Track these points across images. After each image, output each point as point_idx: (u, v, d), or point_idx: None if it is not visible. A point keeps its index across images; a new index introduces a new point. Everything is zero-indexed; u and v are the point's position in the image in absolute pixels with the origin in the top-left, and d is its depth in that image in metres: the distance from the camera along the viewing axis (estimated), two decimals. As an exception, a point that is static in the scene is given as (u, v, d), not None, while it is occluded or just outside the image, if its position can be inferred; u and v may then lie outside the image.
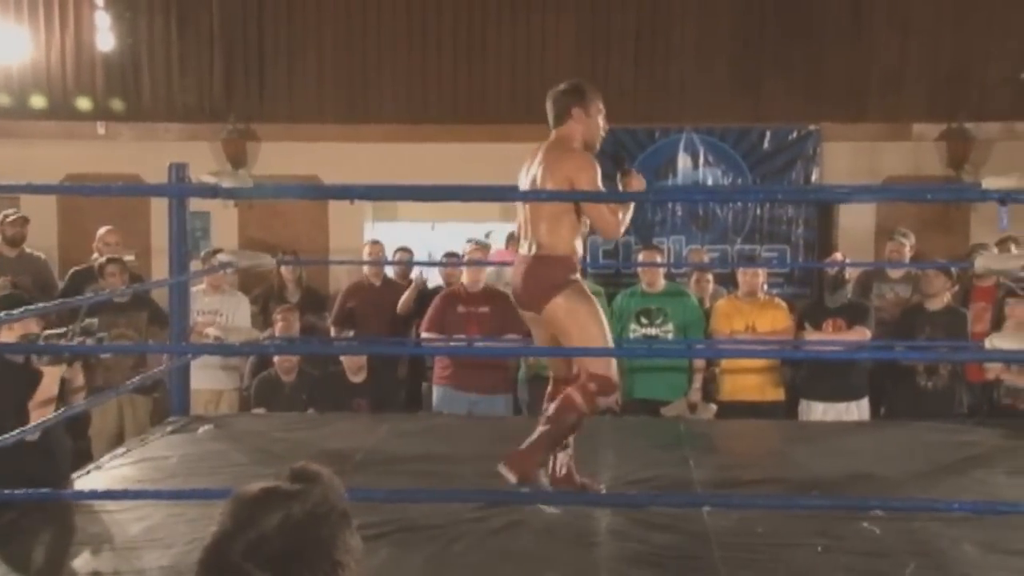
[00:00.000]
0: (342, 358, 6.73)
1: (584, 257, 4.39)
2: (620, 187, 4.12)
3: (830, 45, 9.56)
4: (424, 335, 6.88)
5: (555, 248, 3.93)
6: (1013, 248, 6.92)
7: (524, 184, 4.06)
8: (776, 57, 9.54)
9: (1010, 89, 9.36)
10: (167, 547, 3.54)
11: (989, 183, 4.07)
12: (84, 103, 9.85)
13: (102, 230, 7.85)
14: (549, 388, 4.18)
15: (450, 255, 7.72)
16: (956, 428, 5.50)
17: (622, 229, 4.02)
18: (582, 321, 3.90)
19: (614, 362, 4.00)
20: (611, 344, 4.04)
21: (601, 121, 4.10)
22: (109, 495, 4.04)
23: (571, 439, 4.08)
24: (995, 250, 6.76)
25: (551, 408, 3.96)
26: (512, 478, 3.81)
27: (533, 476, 3.90)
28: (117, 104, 9.87)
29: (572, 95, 4.07)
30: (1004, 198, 3.93)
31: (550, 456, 4.01)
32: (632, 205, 4.09)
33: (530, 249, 4.00)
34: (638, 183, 4.12)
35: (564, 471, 4.12)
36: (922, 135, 9.51)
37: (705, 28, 9.67)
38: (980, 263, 5.96)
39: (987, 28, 9.42)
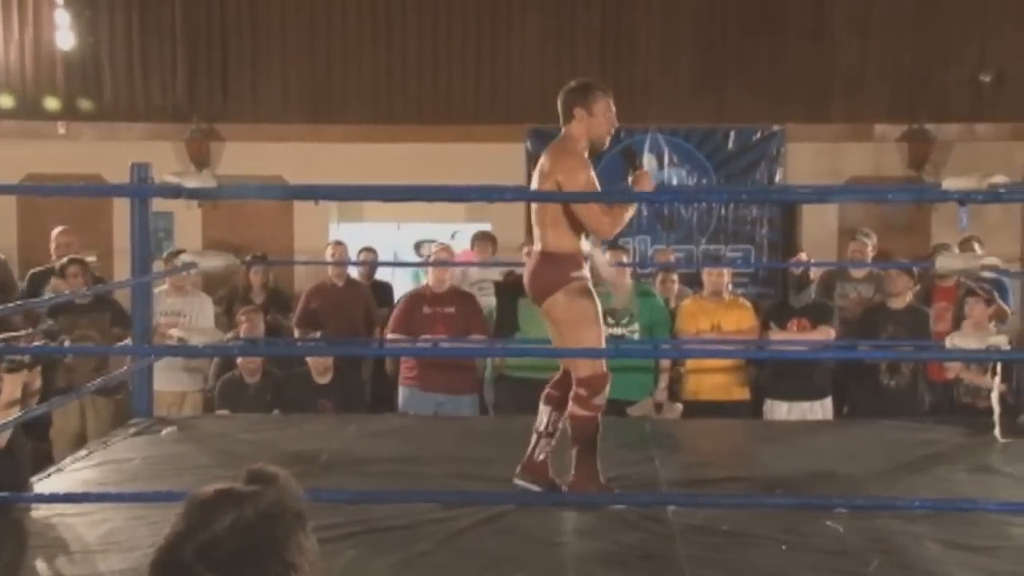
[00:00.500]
0: (308, 359, 6.70)
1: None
2: (631, 185, 4.18)
3: (792, 46, 9.64)
4: (390, 336, 6.86)
5: (559, 246, 4.02)
6: (977, 248, 7.00)
7: (533, 183, 4.20)
8: (740, 58, 9.61)
9: (969, 91, 9.48)
10: (128, 551, 3.50)
11: (949, 184, 4.11)
12: (45, 102, 9.74)
13: (56, 230, 7.76)
14: (557, 375, 4.26)
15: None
16: (918, 427, 5.55)
17: (616, 229, 4.09)
18: (576, 319, 4.02)
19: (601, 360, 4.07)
20: (599, 343, 4.10)
21: (608, 119, 4.12)
22: (70, 498, 3.99)
23: (557, 432, 4.19)
24: (956, 250, 6.84)
25: (569, 429, 4.10)
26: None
27: (597, 486, 4.06)
28: (78, 103, 9.77)
29: (576, 94, 4.11)
30: (963, 199, 3.98)
31: (596, 464, 4.10)
32: (633, 205, 4.17)
33: (538, 246, 4.15)
34: (647, 183, 4.18)
35: (541, 458, 4.19)
36: (884, 136, 9.60)
37: (669, 29, 9.71)
38: (941, 263, 6.01)
39: (946, 31, 9.53)
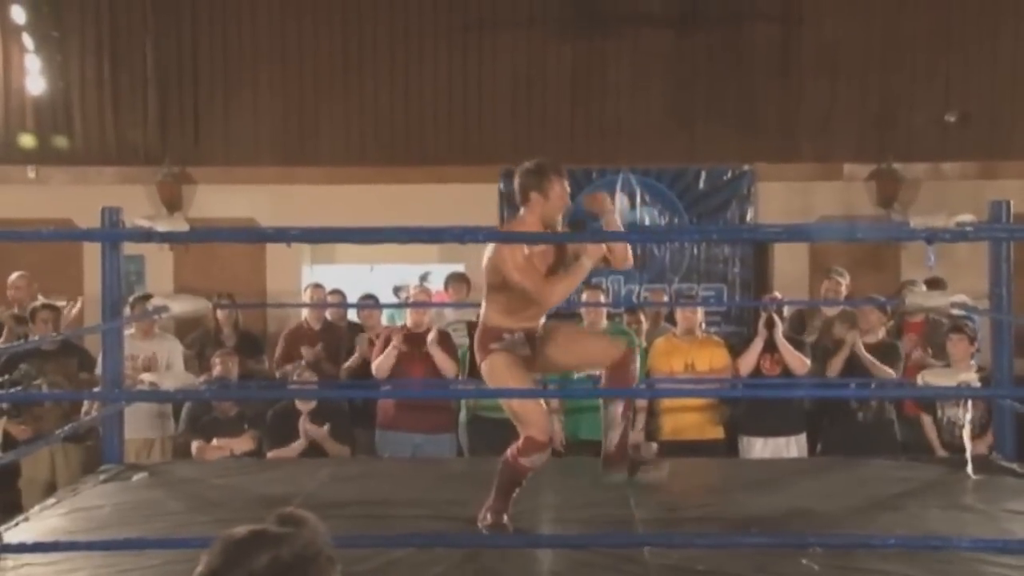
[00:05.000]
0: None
1: None
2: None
3: (762, 87, 9.76)
4: (374, 367, 6.87)
5: (486, 320, 4.32)
6: (941, 288, 7.09)
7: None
8: (710, 98, 9.72)
9: (935, 131, 9.63)
10: (99, 600, 3.45)
11: (917, 222, 4.16)
12: (15, 146, 9.70)
13: (12, 276, 7.72)
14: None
15: (368, 297, 7.90)
16: (891, 464, 5.57)
17: (555, 298, 4.25)
18: (504, 383, 4.25)
19: (543, 424, 4.17)
20: (535, 412, 4.18)
21: (562, 201, 4.28)
22: (39, 547, 3.92)
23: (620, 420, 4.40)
24: (923, 287, 6.92)
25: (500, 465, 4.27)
26: (484, 529, 4.16)
27: (495, 522, 4.17)
28: (49, 147, 9.73)
29: (532, 178, 4.27)
30: (931, 237, 4.03)
31: (509, 503, 4.23)
32: (576, 277, 4.29)
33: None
34: (594, 249, 4.32)
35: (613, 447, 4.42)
36: (852, 175, 9.71)
37: (640, 70, 9.82)
38: (911, 300, 6.08)
39: (912, 72, 9.69)
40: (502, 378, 4.24)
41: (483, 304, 4.35)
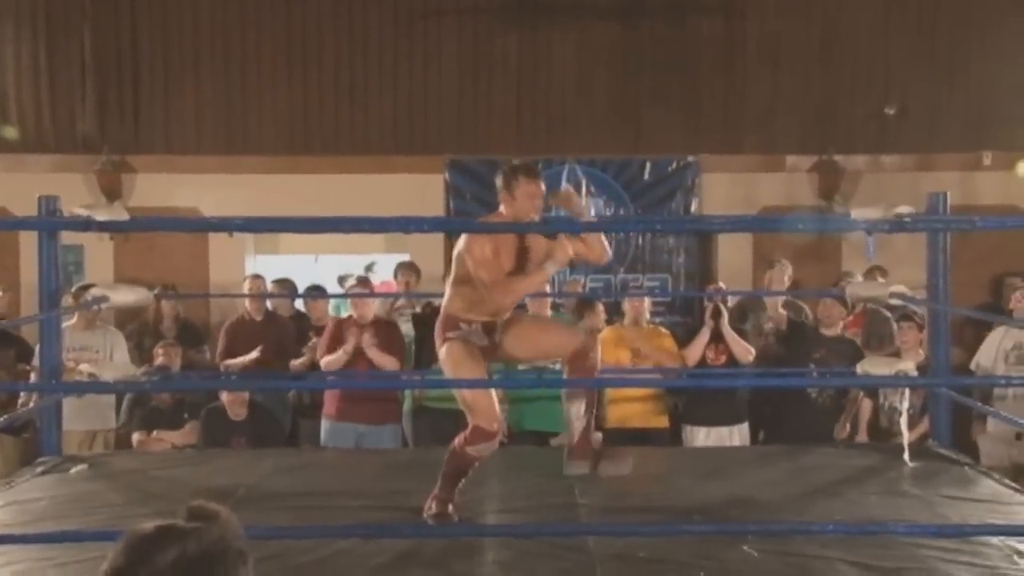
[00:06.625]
0: (224, 397, 6.59)
1: None
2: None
3: (706, 79, 9.83)
4: (322, 361, 6.82)
5: (447, 308, 4.38)
6: (879, 278, 7.19)
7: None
8: (654, 90, 9.77)
9: (875, 123, 9.77)
10: (36, 594, 3.40)
11: (857, 214, 4.22)
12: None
13: None
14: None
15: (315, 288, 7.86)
16: (831, 452, 5.66)
17: (509, 299, 4.35)
18: (455, 373, 4.31)
19: (492, 414, 4.21)
20: (484, 401, 4.22)
21: (531, 203, 4.33)
22: (-28, 541, 3.85)
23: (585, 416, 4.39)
24: (860, 278, 7.03)
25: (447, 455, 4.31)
26: (429, 519, 4.19)
27: (441, 511, 4.20)
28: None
29: (502, 178, 4.37)
30: (870, 228, 4.09)
31: (454, 492, 4.26)
32: (533, 281, 4.41)
33: None
34: (576, 204, 4.52)
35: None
36: (795, 167, 9.82)
37: (585, 61, 9.84)
38: (851, 291, 6.17)
39: (852, 66, 9.82)
40: (455, 366, 4.28)
41: (447, 292, 4.41)
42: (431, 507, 4.20)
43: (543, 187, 4.35)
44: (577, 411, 4.37)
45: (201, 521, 1.40)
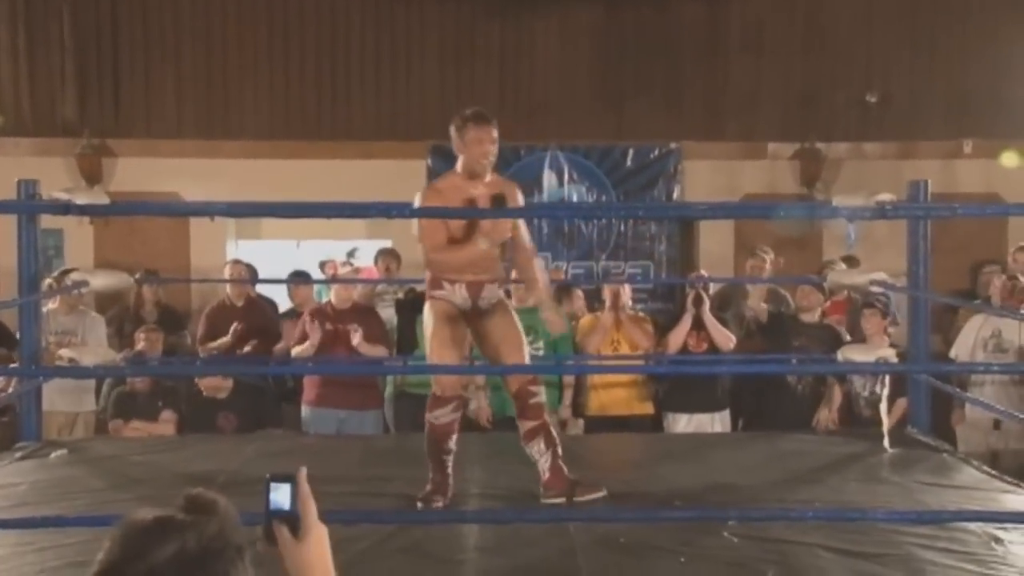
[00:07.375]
0: (200, 382, 6.58)
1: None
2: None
3: (688, 66, 9.84)
4: (296, 350, 6.79)
5: (428, 268, 4.48)
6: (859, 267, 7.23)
7: None
8: (637, 76, 9.77)
9: (857, 111, 9.80)
10: (15, 580, 3.38)
11: (838, 201, 4.24)
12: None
13: None
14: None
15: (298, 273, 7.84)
16: (811, 439, 5.69)
17: (442, 267, 4.37)
18: (428, 332, 4.40)
19: (447, 380, 4.32)
20: (445, 359, 4.32)
21: (480, 149, 4.32)
22: (-49, 527, 3.83)
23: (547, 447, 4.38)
24: (842, 265, 7.05)
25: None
26: (419, 503, 4.25)
27: (437, 497, 4.27)
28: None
29: (454, 128, 4.37)
30: (851, 215, 4.10)
31: (446, 478, 4.34)
32: (464, 253, 4.36)
33: None
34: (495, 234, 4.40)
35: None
36: (777, 154, 9.85)
37: (567, 47, 9.83)
38: (832, 279, 6.19)
39: (833, 54, 9.84)
40: (428, 323, 4.37)
41: None
42: (426, 492, 4.27)
43: (494, 132, 4.33)
44: (538, 448, 4.36)
45: (199, 512, 1.37)
